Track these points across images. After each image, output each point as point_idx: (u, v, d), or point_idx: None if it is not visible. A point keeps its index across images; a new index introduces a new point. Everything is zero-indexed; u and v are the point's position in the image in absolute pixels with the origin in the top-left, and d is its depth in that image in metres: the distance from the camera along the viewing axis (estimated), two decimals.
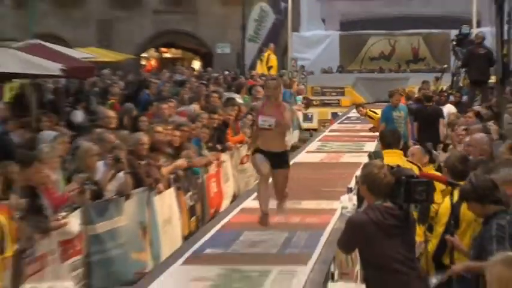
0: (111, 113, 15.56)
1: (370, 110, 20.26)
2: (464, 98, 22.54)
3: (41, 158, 10.98)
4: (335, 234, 11.04)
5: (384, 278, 7.47)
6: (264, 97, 9.40)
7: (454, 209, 8.76)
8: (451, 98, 22.37)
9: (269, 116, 9.82)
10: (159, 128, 14.00)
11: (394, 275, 7.32)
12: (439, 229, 9.05)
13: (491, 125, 14.02)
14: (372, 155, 11.76)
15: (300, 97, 26.64)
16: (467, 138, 12.18)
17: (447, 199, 9.18)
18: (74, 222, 11.03)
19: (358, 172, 8.16)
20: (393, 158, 10.81)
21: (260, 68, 29.82)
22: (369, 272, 7.84)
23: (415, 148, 11.84)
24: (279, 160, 10.11)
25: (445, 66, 30.67)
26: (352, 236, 7.68)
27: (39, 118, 15.51)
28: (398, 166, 8.06)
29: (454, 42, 27.14)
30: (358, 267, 10.22)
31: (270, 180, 11.84)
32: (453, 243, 8.47)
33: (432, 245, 9.04)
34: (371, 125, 19.75)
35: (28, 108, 16.77)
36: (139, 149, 12.80)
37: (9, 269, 9.68)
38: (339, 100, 29.60)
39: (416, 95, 22.82)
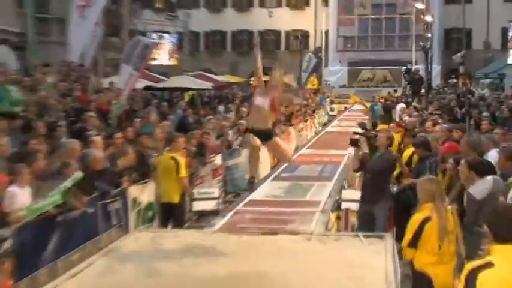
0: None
1: (364, 103, 37.06)
2: (409, 99, 36.15)
3: (207, 129, 17.72)
4: (346, 166, 18.10)
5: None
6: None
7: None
8: (403, 100, 37.36)
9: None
10: None
11: None
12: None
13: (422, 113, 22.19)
14: (360, 125, 19.28)
15: (328, 99, 47.72)
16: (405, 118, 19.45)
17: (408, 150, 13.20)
18: (217, 160, 17.22)
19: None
20: (383, 126, 18.01)
21: (309, 85, 51.41)
22: (366, 179, 11.67)
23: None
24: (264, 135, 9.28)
25: (397, 86, 55.44)
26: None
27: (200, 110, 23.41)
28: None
29: (404, 72, 49.24)
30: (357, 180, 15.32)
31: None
32: (399, 160, 12.00)
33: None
34: (364, 110, 34.28)
35: (196, 105, 25.70)
36: None
37: (183, 184, 13.61)
38: (347, 100, 48.70)
39: (383, 99, 37.71)
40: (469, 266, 5.01)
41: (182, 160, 12.65)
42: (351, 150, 19.07)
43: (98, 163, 11.73)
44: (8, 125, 13.27)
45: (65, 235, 9.74)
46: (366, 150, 11.25)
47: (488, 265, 4.78)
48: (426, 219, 7.89)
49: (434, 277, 7.98)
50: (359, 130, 14.83)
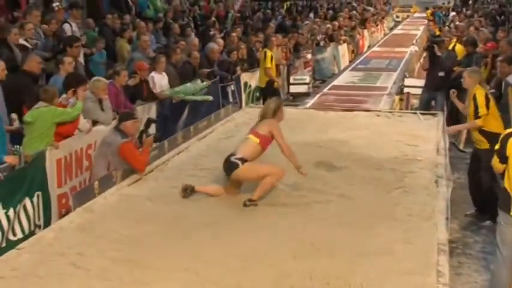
0: None
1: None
2: (459, 9, 31.65)
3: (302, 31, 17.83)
4: (408, 60, 18.15)
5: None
6: None
7: None
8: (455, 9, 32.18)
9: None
10: None
11: None
12: None
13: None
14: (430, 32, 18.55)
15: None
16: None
17: None
18: (308, 55, 18.37)
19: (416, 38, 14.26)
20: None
21: None
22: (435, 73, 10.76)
23: None
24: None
25: None
26: None
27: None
28: None
29: None
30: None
31: None
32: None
33: None
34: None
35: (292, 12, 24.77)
36: None
37: (267, 73, 15.76)
38: (409, 9, 43.88)
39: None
40: (505, 132, 5.50)
41: (269, 54, 12.33)
42: (412, 48, 18.97)
43: (215, 54, 11.70)
44: (153, 27, 13.47)
45: (195, 110, 9.94)
46: (439, 53, 10.80)
47: None
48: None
49: None
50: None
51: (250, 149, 5.76)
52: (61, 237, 4.89)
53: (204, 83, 10.09)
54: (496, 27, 16.18)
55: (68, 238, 4.87)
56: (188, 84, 9.91)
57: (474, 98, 7.18)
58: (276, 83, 12.18)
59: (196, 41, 11.47)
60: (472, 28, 15.40)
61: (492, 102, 7.26)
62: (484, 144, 7.14)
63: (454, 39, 13.42)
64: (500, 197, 5.35)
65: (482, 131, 7.21)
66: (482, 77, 8.07)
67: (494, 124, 7.15)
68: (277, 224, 5.18)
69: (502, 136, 5.38)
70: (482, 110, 7.14)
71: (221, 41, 12.72)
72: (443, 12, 31.93)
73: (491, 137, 6.76)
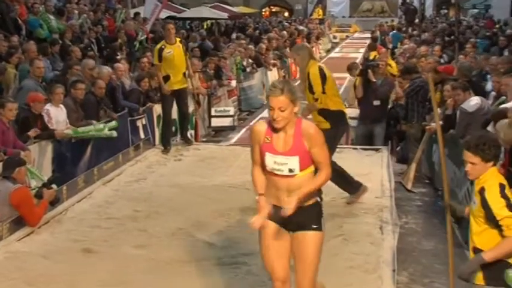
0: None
1: None
2: (404, 29, 31.43)
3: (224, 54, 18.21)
4: (347, 88, 18.86)
5: None
6: None
7: None
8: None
9: None
10: None
11: None
12: None
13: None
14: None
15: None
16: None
17: None
18: (233, 82, 17.40)
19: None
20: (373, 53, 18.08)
21: (315, 15, 49.80)
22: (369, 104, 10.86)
23: None
24: None
25: (394, 16, 49.20)
26: None
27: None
28: None
29: (400, 4, 48.00)
30: None
31: None
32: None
33: None
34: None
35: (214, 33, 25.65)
36: None
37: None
38: (349, 29, 46.64)
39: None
40: None
41: None
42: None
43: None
44: (50, 50, 13.26)
45: (99, 147, 9.80)
46: (373, 79, 11.01)
47: None
48: None
49: None
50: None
51: None
52: None
53: (113, 122, 9.95)
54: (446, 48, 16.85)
55: None
56: (93, 126, 9.72)
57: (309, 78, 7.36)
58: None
59: (91, 63, 11.20)
60: (423, 48, 15.68)
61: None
62: (325, 124, 7.26)
63: (389, 61, 13.60)
64: None
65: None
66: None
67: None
68: None
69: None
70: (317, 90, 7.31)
71: (120, 65, 12.44)
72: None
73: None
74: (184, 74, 10.68)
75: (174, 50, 10.47)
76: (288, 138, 4.21)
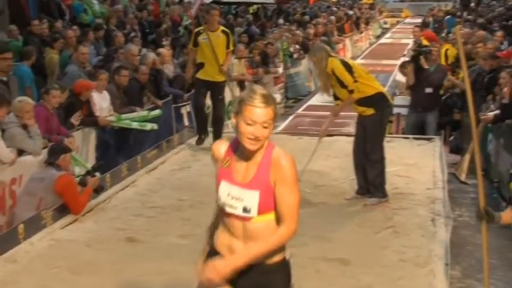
0: None
1: None
2: (459, 13, 30.17)
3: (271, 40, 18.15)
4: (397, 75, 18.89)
5: None
6: None
7: None
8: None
9: None
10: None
11: None
12: None
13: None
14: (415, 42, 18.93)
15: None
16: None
17: None
18: (280, 68, 17.58)
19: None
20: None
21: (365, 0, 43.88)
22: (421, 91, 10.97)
23: None
24: None
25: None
26: None
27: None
28: None
29: None
30: None
31: None
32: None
33: None
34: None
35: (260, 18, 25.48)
36: None
37: None
38: (400, 14, 45.28)
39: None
40: None
41: None
42: (403, 59, 19.02)
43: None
44: (93, 35, 13.36)
45: (143, 135, 9.84)
46: (426, 66, 10.85)
47: None
48: None
49: None
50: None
51: None
52: None
53: (158, 111, 9.97)
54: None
55: None
56: (136, 113, 9.75)
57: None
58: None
59: (135, 49, 11.18)
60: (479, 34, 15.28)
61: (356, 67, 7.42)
62: (368, 111, 7.28)
63: (446, 45, 13.41)
64: None
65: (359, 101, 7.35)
66: None
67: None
68: None
69: None
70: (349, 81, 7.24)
71: (165, 51, 12.46)
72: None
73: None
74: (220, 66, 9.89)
75: (212, 38, 9.84)
76: (251, 166, 3.10)
